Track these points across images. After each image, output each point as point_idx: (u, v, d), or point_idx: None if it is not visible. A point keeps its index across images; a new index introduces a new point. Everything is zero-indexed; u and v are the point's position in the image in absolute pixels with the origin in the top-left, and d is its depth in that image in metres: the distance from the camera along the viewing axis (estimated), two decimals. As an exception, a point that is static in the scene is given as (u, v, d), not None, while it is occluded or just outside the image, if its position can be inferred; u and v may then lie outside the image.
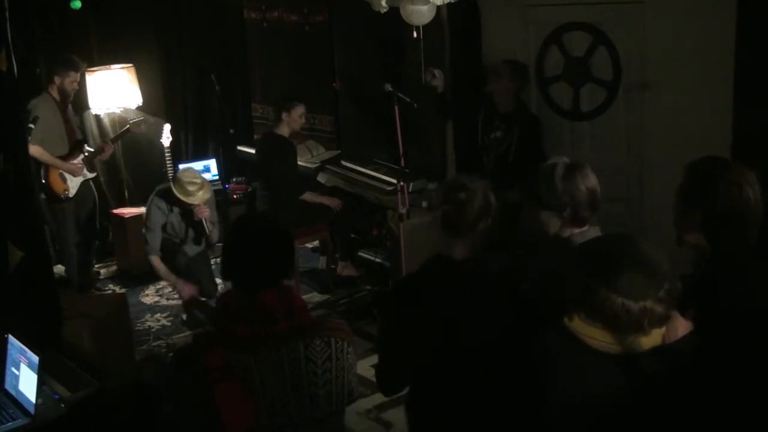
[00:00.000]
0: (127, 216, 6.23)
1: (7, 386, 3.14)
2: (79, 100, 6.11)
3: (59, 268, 5.87)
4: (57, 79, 5.60)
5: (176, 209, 5.12)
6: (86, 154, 5.82)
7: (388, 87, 4.96)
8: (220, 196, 6.68)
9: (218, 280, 5.93)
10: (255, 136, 7.31)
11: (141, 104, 6.48)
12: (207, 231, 5.17)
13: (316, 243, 6.27)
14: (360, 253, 6.10)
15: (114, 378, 3.89)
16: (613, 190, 4.65)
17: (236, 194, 6.85)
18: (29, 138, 4.77)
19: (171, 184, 5.03)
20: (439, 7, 4.76)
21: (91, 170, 5.89)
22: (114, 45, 6.56)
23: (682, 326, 1.97)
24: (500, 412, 2.04)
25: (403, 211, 4.91)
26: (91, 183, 6.00)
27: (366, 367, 4.16)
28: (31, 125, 5.26)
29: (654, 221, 4.54)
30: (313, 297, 5.78)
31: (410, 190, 5.18)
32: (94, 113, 6.43)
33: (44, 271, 3.72)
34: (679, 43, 4.38)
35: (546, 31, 5.10)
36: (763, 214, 2.22)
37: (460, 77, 5.48)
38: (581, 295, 1.81)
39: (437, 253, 2.57)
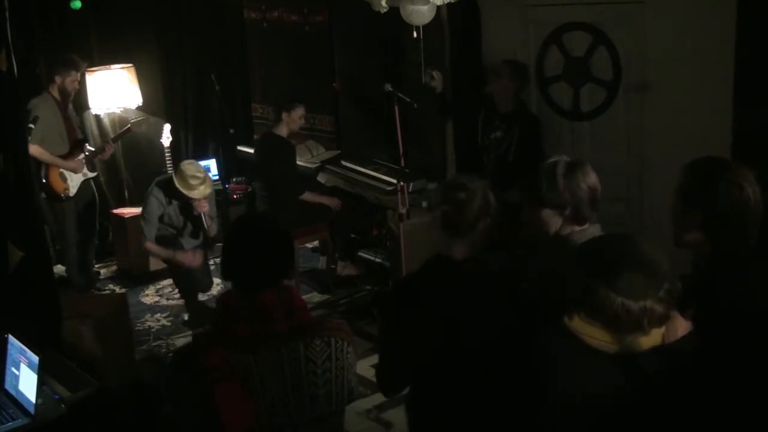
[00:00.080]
0: (127, 216, 6.23)
1: (7, 386, 3.14)
2: (79, 100, 6.11)
3: (59, 268, 5.87)
4: (58, 79, 5.60)
5: (175, 201, 5.12)
6: (87, 153, 5.82)
7: (388, 87, 4.96)
8: (220, 196, 6.68)
9: (218, 280, 5.96)
10: (255, 136, 7.31)
11: (141, 104, 6.48)
12: (205, 225, 5.17)
13: (316, 243, 6.27)
14: (360, 253, 6.10)
15: (114, 378, 3.89)
16: (613, 190, 4.65)
17: (236, 194, 6.85)
18: (29, 138, 4.77)
19: (173, 175, 5.03)
20: (439, 7, 4.76)
21: (91, 169, 5.89)
22: (114, 45, 6.57)
23: (682, 326, 1.97)
24: (500, 412, 2.04)
25: (403, 211, 4.91)
26: (92, 182, 6.01)
27: (366, 367, 4.17)
28: (31, 125, 5.26)
29: (654, 221, 4.54)
30: (313, 297, 5.78)
31: (410, 190, 5.18)
32: (94, 113, 6.43)
33: (44, 271, 3.72)
34: (679, 43, 4.38)
35: (546, 31, 5.10)
36: (763, 214, 2.22)
37: (460, 77, 5.48)
38: (581, 294, 1.81)
39: (437, 253, 2.57)
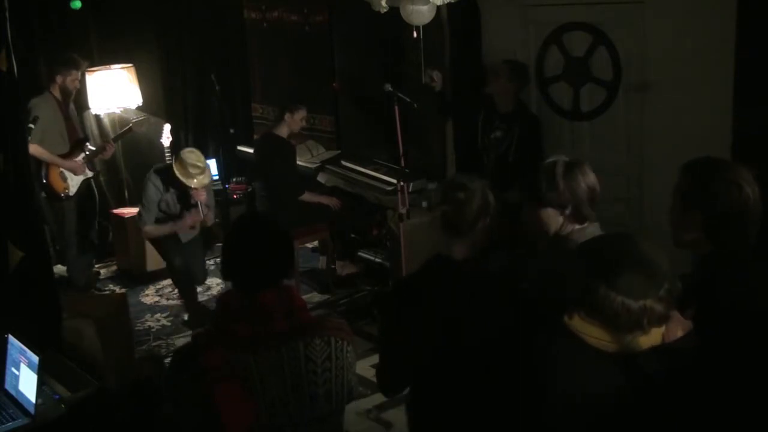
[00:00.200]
0: (127, 216, 6.23)
1: (7, 386, 3.14)
2: (79, 100, 6.11)
3: (59, 268, 5.88)
4: (59, 78, 5.60)
5: (172, 189, 5.11)
6: (87, 152, 5.82)
7: (388, 87, 4.96)
8: (220, 196, 6.69)
9: (218, 280, 5.97)
10: (255, 136, 7.31)
11: (141, 104, 6.47)
12: (202, 215, 5.17)
13: (316, 243, 6.27)
14: (360, 253, 6.10)
15: (114, 378, 3.89)
16: (613, 190, 4.66)
17: (236, 194, 6.85)
18: (29, 137, 4.77)
19: (172, 162, 5.03)
20: (439, 7, 4.76)
21: (92, 169, 5.89)
22: (114, 45, 6.57)
23: (682, 326, 1.97)
24: (500, 412, 2.04)
25: (403, 211, 4.91)
26: (92, 182, 6.01)
27: (366, 367, 4.17)
28: (31, 125, 5.26)
29: (654, 221, 4.54)
30: (313, 297, 5.78)
31: (410, 190, 5.18)
32: (94, 113, 6.43)
33: (44, 271, 3.72)
34: (679, 43, 4.38)
35: (546, 31, 5.10)
36: (762, 213, 2.22)
37: (460, 77, 5.48)
38: (581, 294, 1.81)
39: (437, 253, 2.57)
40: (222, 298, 2.20)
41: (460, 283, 2.49)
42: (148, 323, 5.48)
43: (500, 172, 4.83)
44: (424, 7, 4.63)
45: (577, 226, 2.59)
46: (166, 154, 5.58)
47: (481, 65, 5.36)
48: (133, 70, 6.43)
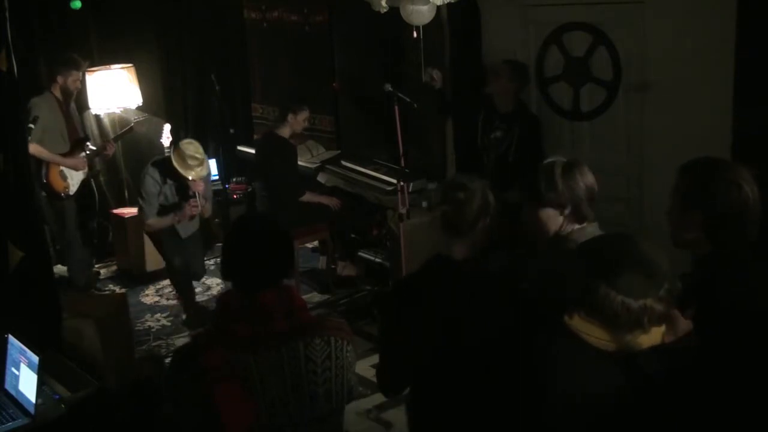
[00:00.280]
0: (127, 216, 6.23)
1: (7, 386, 3.14)
2: (79, 100, 6.11)
3: (60, 268, 5.88)
4: (60, 79, 5.61)
5: (170, 181, 5.11)
6: (87, 152, 5.82)
7: (388, 87, 4.96)
8: (220, 196, 6.69)
9: (218, 280, 5.97)
10: (255, 136, 7.31)
11: (141, 104, 6.47)
12: (199, 206, 5.16)
13: (316, 243, 6.27)
14: (360, 253, 6.10)
15: (114, 378, 3.89)
16: (613, 190, 4.66)
17: (236, 194, 6.85)
18: (29, 137, 4.77)
19: (171, 153, 5.02)
20: (439, 7, 4.76)
21: (91, 168, 5.90)
22: (114, 45, 6.56)
23: (682, 326, 1.97)
24: (500, 412, 2.04)
25: (403, 211, 4.91)
26: (92, 182, 6.01)
27: (366, 367, 4.17)
28: (31, 125, 5.26)
29: (654, 221, 4.54)
30: (313, 297, 5.78)
31: (410, 190, 5.18)
32: (94, 113, 6.43)
33: (44, 271, 3.72)
34: (679, 43, 4.38)
35: (546, 31, 5.10)
36: (762, 213, 2.22)
37: (460, 77, 5.48)
38: (581, 293, 1.81)
39: (437, 253, 2.57)
40: (222, 298, 2.20)
41: (460, 283, 2.49)
42: (148, 323, 5.48)
43: (500, 172, 4.83)
44: (424, 7, 4.63)
45: (577, 226, 2.60)
46: (166, 154, 5.58)
47: (481, 65, 5.36)
48: (133, 70, 6.43)
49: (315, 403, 2.15)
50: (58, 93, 5.63)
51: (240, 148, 6.98)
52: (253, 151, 6.56)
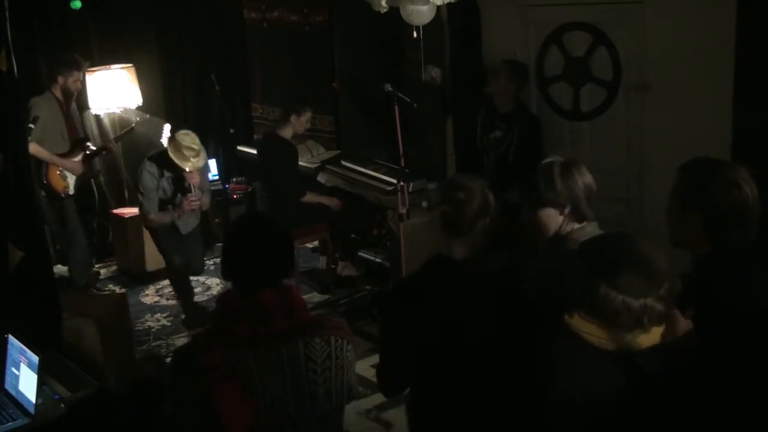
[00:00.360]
0: (127, 216, 6.23)
1: (7, 386, 3.14)
2: (79, 100, 6.11)
3: (60, 268, 5.88)
4: (60, 79, 5.61)
5: (167, 173, 5.10)
6: (88, 152, 5.83)
7: (388, 87, 4.96)
8: (220, 196, 6.69)
9: (218, 280, 5.97)
10: (255, 136, 7.31)
11: (141, 104, 6.47)
12: (197, 199, 5.13)
13: (316, 243, 6.27)
14: (360, 253, 6.10)
15: (114, 378, 3.89)
16: (613, 190, 4.66)
17: (236, 194, 6.85)
18: (29, 137, 4.77)
19: (167, 145, 5.01)
20: (439, 7, 4.76)
21: (91, 168, 5.90)
22: (114, 45, 6.56)
23: (682, 325, 1.97)
24: (500, 412, 2.04)
25: (403, 211, 4.91)
26: (92, 182, 6.01)
27: (366, 367, 4.17)
28: (31, 125, 5.26)
29: (654, 221, 4.54)
30: (313, 297, 5.78)
31: (410, 190, 5.18)
32: (94, 113, 6.43)
33: (44, 271, 3.71)
34: (679, 43, 4.38)
35: (546, 31, 5.10)
36: (762, 213, 2.22)
37: (460, 77, 5.48)
38: (582, 293, 1.82)
39: (437, 253, 2.57)
40: (222, 298, 2.20)
41: (460, 283, 2.49)
42: (148, 323, 5.48)
43: (500, 172, 4.83)
44: (424, 7, 4.63)
45: (576, 225, 2.62)
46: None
47: (481, 65, 5.36)
48: (133, 70, 6.43)
49: (315, 403, 2.15)
50: (58, 93, 5.63)
51: (240, 148, 6.98)
52: (253, 151, 6.56)
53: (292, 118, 5.63)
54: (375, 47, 6.13)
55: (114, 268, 6.49)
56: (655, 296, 1.78)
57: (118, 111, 6.41)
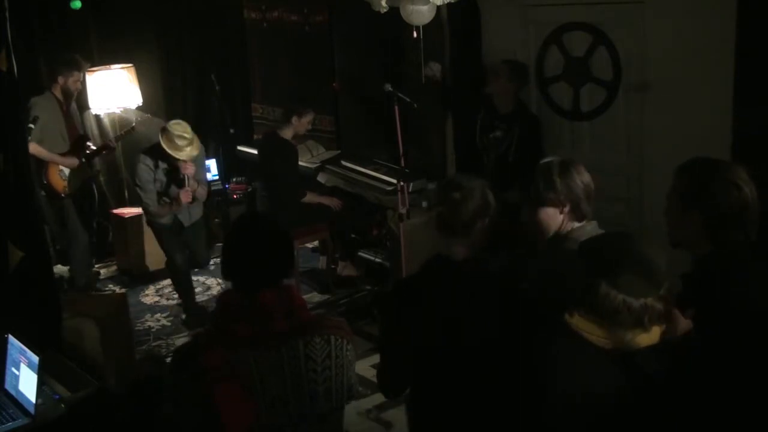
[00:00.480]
0: (127, 216, 6.24)
1: (7, 386, 3.14)
2: (80, 100, 6.12)
3: (60, 268, 5.88)
4: (61, 79, 5.61)
5: (162, 165, 5.09)
6: (88, 152, 5.82)
7: (388, 87, 4.96)
8: (220, 196, 6.69)
9: (218, 280, 5.97)
10: (255, 136, 7.31)
11: (141, 104, 6.48)
12: (190, 190, 5.12)
13: (316, 243, 6.27)
14: (360, 253, 6.10)
15: (114, 378, 3.89)
16: (613, 190, 4.66)
17: (236, 194, 6.85)
18: (29, 137, 4.77)
19: (159, 136, 5.00)
20: (439, 7, 4.76)
21: (90, 168, 5.90)
22: (114, 45, 6.57)
23: (682, 325, 1.98)
24: (500, 412, 2.04)
25: (403, 211, 4.91)
26: (92, 182, 6.01)
27: (366, 367, 4.18)
28: (31, 125, 5.26)
29: (654, 221, 4.52)
30: (313, 297, 5.78)
31: (410, 190, 5.18)
32: (94, 113, 6.43)
33: (44, 271, 3.72)
34: (679, 43, 4.38)
35: (546, 31, 5.10)
36: (762, 213, 2.23)
37: (460, 77, 5.48)
38: (582, 292, 1.82)
39: (437, 253, 2.57)
40: (222, 297, 2.20)
41: (460, 283, 2.49)
42: (148, 323, 5.48)
43: (500, 172, 4.83)
44: (424, 7, 4.63)
45: (576, 225, 2.63)
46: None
47: (481, 65, 5.36)
48: (133, 70, 6.43)
49: (315, 402, 2.15)
50: (58, 93, 5.63)
51: (240, 148, 6.98)
52: (253, 151, 6.56)
53: (294, 119, 5.63)
54: (375, 47, 6.13)
55: (114, 268, 6.49)
56: (655, 296, 1.78)
57: (118, 111, 6.41)
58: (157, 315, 5.61)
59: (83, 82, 5.93)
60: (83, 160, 5.73)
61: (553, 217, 2.62)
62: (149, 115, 6.45)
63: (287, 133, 5.67)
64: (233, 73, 7.34)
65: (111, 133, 6.35)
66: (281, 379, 2.09)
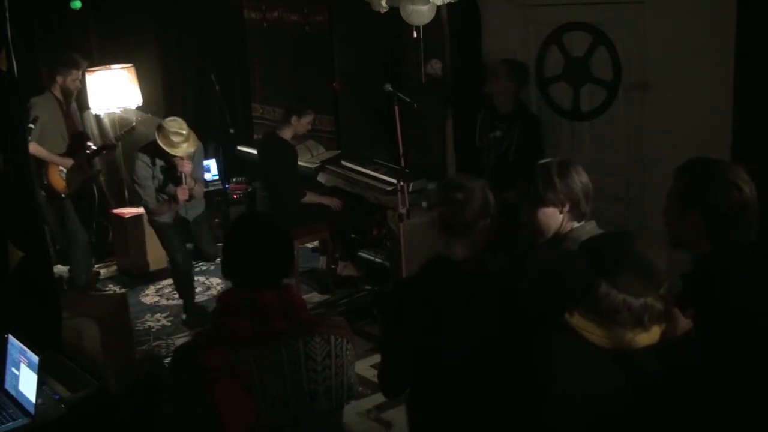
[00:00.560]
0: (127, 216, 6.24)
1: (7, 386, 3.14)
2: (79, 100, 6.12)
3: (60, 268, 5.87)
4: (59, 79, 5.61)
5: (159, 162, 5.09)
6: (89, 151, 5.83)
7: (388, 87, 4.96)
8: (220, 196, 6.69)
9: (218, 280, 5.97)
10: (255, 136, 7.31)
11: (141, 104, 6.48)
12: (183, 185, 5.10)
13: (316, 243, 6.27)
14: (360, 253, 6.10)
15: (114, 378, 3.89)
16: (613, 190, 4.66)
17: (236, 194, 6.85)
18: (29, 137, 4.77)
19: (156, 135, 5.00)
20: (439, 7, 4.76)
21: (91, 168, 5.90)
22: (114, 45, 6.57)
23: (682, 324, 1.98)
24: (501, 412, 2.04)
25: (403, 211, 4.91)
26: (92, 182, 6.01)
27: (366, 367, 4.18)
28: (31, 125, 5.26)
29: (654, 221, 4.51)
30: (313, 297, 5.78)
31: (410, 190, 5.18)
32: (94, 113, 6.43)
33: (44, 271, 3.72)
34: (679, 43, 4.38)
35: (546, 31, 5.10)
36: (762, 213, 2.23)
37: (460, 77, 5.48)
38: (583, 292, 1.82)
39: (437, 253, 2.57)
40: (222, 297, 2.20)
41: (460, 283, 2.49)
42: (148, 323, 5.48)
43: (500, 172, 4.83)
44: (424, 7, 4.63)
45: (576, 224, 2.65)
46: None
47: (481, 65, 5.36)
48: (133, 70, 6.43)
49: (315, 402, 2.15)
50: (58, 93, 5.64)
51: (240, 148, 6.98)
52: (253, 151, 6.56)
53: (293, 119, 5.63)
54: (375, 47, 6.13)
55: (114, 268, 6.49)
56: (655, 295, 1.78)
57: (118, 111, 6.42)
58: (157, 315, 5.61)
59: (82, 81, 5.93)
60: (83, 160, 5.73)
61: (553, 217, 2.64)
62: (149, 114, 6.45)
63: (287, 134, 5.67)
64: (233, 73, 7.34)
65: (111, 133, 6.35)
66: (281, 378, 2.09)
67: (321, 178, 6.17)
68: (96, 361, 3.80)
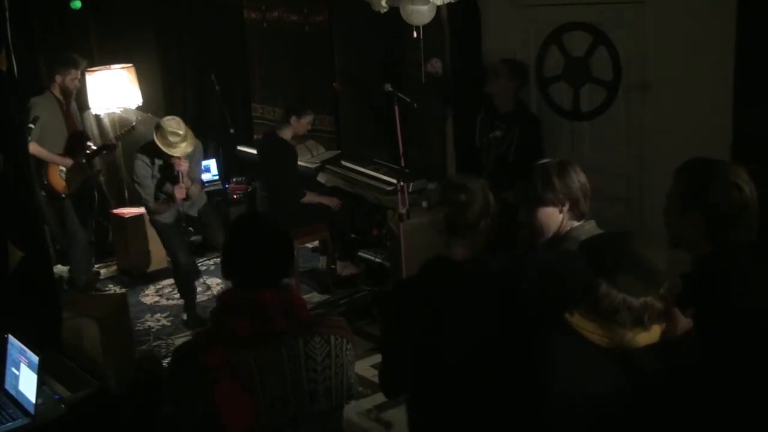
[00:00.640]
0: (127, 216, 6.24)
1: (7, 386, 3.14)
2: (79, 100, 6.12)
3: (60, 268, 5.87)
4: (59, 78, 5.61)
5: (158, 161, 5.09)
6: (89, 151, 5.82)
7: (388, 87, 4.95)
8: (220, 196, 6.69)
9: (219, 280, 5.97)
10: (255, 136, 7.31)
11: (141, 104, 6.48)
12: (181, 184, 5.10)
13: (316, 243, 6.27)
14: (360, 253, 6.10)
15: (114, 378, 3.89)
16: (613, 190, 4.66)
17: (236, 194, 6.85)
18: (28, 137, 4.78)
19: (154, 134, 5.00)
20: (439, 7, 4.76)
21: (91, 168, 5.91)
22: (114, 45, 6.57)
23: (682, 324, 1.98)
24: (501, 412, 2.04)
25: (403, 211, 4.91)
26: (92, 182, 6.01)
27: (366, 367, 4.18)
28: (31, 125, 5.26)
29: (654, 221, 4.51)
30: (313, 297, 5.78)
31: (410, 190, 5.18)
32: (94, 113, 6.43)
33: (44, 271, 3.72)
34: (679, 43, 4.38)
35: (546, 31, 5.10)
36: (762, 213, 2.23)
37: (460, 77, 5.48)
38: (583, 291, 1.82)
39: (437, 253, 2.58)
40: (222, 297, 2.21)
41: (460, 284, 2.49)
42: (148, 323, 5.48)
43: (500, 172, 4.82)
44: (424, 7, 4.63)
45: (575, 224, 2.66)
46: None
47: (481, 65, 5.36)
48: (133, 70, 6.43)
49: (315, 402, 2.15)
50: (58, 93, 5.64)
51: (240, 148, 6.98)
52: (253, 151, 6.56)
53: (293, 119, 5.63)
54: (375, 47, 6.13)
55: (114, 268, 6.50)
56: (655, 295, 1.78)
57: (118, 111, 6.42)
58: (157, 315, 5.61)
59: (82, 81, 5.93)
60: (83, 160, 5.73)
61: (553, 217, 2.66)
62: (149, 114, 6.45)
63: (286, 134, 5.67)
64: (233, 73, 7.34)
65: (111, 133, 6.35)
66: (281, 378, 2.09)
67: (321, 178, 6.17)
68: (96, 361, 3.80)
